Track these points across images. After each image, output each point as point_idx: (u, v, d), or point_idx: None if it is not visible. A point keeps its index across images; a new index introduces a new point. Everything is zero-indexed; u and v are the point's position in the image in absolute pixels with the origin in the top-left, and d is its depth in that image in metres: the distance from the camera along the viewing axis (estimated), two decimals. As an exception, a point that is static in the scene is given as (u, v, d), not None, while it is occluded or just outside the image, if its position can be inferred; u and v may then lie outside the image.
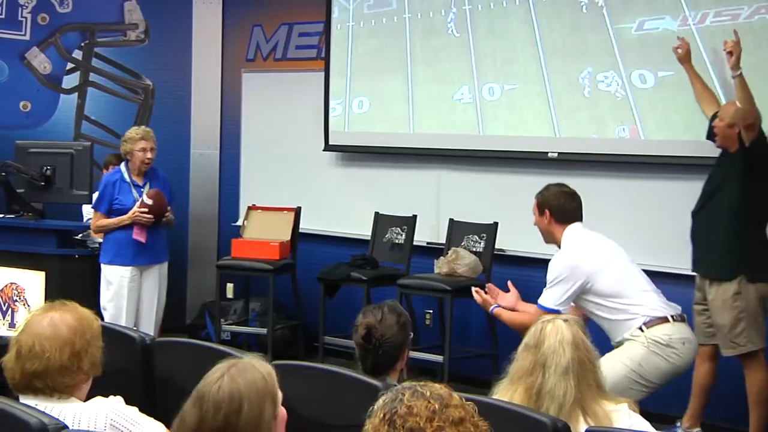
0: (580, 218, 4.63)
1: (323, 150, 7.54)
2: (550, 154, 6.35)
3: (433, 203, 6.89)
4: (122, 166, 5.95)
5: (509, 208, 6.52)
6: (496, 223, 6.45)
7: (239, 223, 7.68)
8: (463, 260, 6.26)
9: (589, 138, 6.25)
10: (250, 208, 7.52)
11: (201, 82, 8.29)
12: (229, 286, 7.86)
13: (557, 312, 4.25)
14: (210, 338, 7.33)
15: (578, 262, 4.43)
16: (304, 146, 7.68)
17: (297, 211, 7.36)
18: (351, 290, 6.78)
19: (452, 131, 6.89)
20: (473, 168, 6.77)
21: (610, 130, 6.13)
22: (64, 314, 2.76)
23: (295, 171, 7.78)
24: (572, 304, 4.46)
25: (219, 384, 2.30)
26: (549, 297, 4.46)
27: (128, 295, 5.82)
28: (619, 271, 4.48)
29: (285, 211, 7.36)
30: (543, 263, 5.81)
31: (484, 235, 6.51)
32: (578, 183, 5.91)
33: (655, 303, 4.45)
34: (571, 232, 4.57)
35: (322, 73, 7.41)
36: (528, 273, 6.29)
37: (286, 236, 7.26)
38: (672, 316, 4.43)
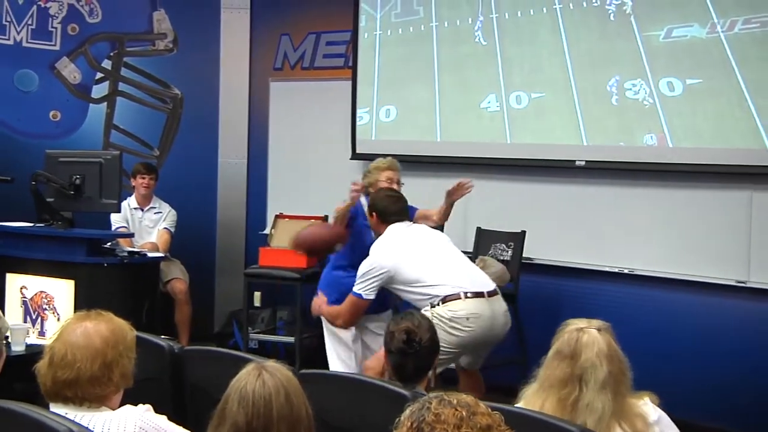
0: (402, 219, 5.10)
1: (350, 158, 7.53)
2: (577, 163, 6.36)
3: (460, 212, 6.55)
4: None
5: (537, 216, 6.54)
6: (523, 232, 6.42)
7: (267, 231, 7.67)
8: (490, 268, 6.20)
9: (617, 146, 6.22)
10: (277, 217, 7.53)
11: (229, 91, 8.31)
12: (257, 294, 7.81)
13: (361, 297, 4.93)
14: (238, 347, 7.32)
15: (379, 260, 4.92)
16: (332, 155, 7.67)
17: (324, 220, 7.27)
18: None
19: (479, 139, 6.88)
20: (500, 176, 6.76)
21: (638, 138, 6.10)
22: (98, 324, 2.76)
23: (323, 179, 7.73)
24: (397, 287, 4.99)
25: (261, 381, 2.35)
26: (358, 287, 4.97)
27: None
28: (418, 261, 4.90)
29: (312, 220, 7.24)
30: (572, 272, 6.31)
31: (512, 243, 6.48)
32: (606, 191, 6.26)
33: (454, 283, 4.81)
34: (387, 233, 5.08)
35: (350, 82, 7.42)
36: (556, 281, 6.42)
37: None
38: (465, 293, 4.77)
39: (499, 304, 4.96)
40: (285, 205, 7.78)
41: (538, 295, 6.48)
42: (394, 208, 5.09)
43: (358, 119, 7.46)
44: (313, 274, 7.00)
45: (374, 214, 5.09)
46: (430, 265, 4.91)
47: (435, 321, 4.50)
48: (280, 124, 8.08)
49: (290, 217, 7.42)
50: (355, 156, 7.52)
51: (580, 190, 6.43)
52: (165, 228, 7.48)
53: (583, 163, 6.31)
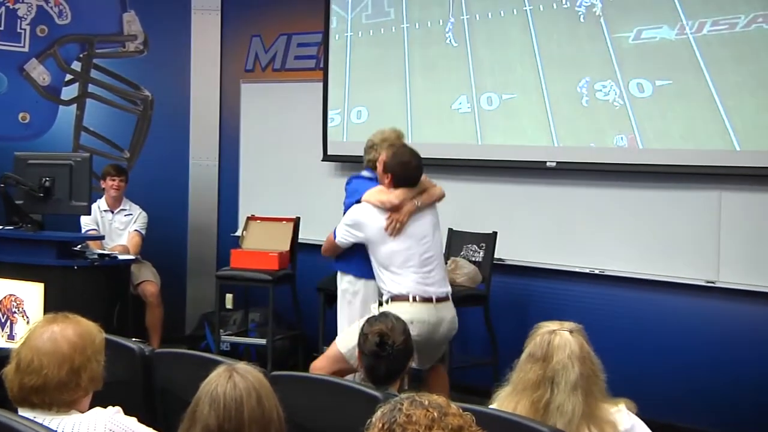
0: (411, 186, 4.98)
1: (322, 160, 7.51)
2: (548, 164, 6.34)
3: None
4: (366, 173, 5.39)
5: (509, 217, 6.53)
6: (495, 233, 6.40)
7: (238, 233, 7.61)
8: (462, 270, 6.22)
9: (588, 147, 6.21)
10: (249, 219, 7.45)
11: (200, 93, 8.24)
12: (229, 296, 7.81)
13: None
14: (209, 349, 7.26)
15: (363, 222, 4.93)
16: (303, 156, 7.64)
17: (296, 222, 7.30)
18: None
19: (450, 140, 6.83)
20: (472, 177, 6.73)
21: (609, 139, 6.10)
22: (66, 329, 2.71)
23: (294, 181, 7.72)
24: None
25: (232, 383, 2.34)
26: (337, 231, 5.04)
27: None
28: (392, 247, 4.87)
29: (284, 222, 7.30)
30: (543, 272, 6.30)
31: (484, 244, 6.45)
32: (576, 192, 6.24)
33: (407, 284, 4.82)
34: None
35: (321, 83, 7.39)
36: (528, 282, 6.41)
37: (286, 246, 7.20)
38: (414, 297, 4.79)
39: (447, 311, 4.96)
40: (257, 206, 7.70)
41: (509, 296, 6.49)
42: (409, 177, 5.00)
43: (329, 121, 7.42)
44: (284, 276, 7.06)
45: (390, 175, 4.97)
46: (396, 254, 4.89)
47: None
48: (252, 126, 8.05)
49: (262, 219, 7.38)
50: (327, 158, 7.50)
51: (551, 191, 6.42)
52: (135, 230, 7.43)
53: (554, 164, 6.30)
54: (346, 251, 5.07)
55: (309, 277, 7.01)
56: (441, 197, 5.12)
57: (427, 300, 4.82)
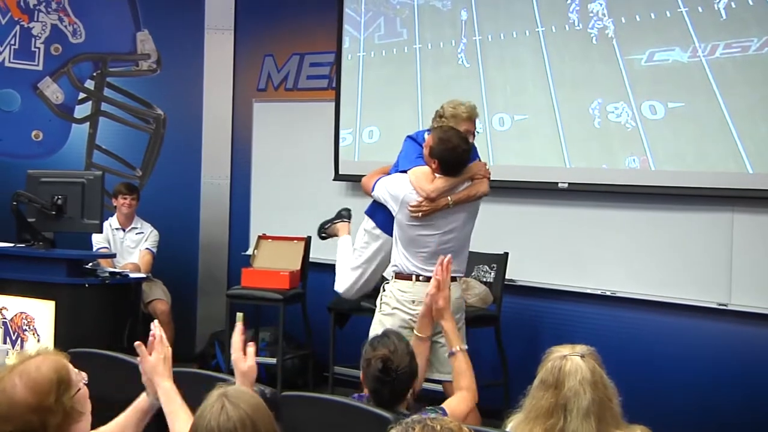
0: (455, 175, 4.86)
1: (333, 179, 7.45)
2: (560, 185, 6.31)
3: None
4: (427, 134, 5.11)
5: (520, 238, 6.48)
6: (506, 254, 6.33)
7: (249, 252, 7.56)
8: (473, 290, 6.14)
9: (600, 168, 6.17)
10: (260, 238, 7.39)
11: (212, 112, 8.21)
12: (239, 315, 7.30)
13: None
14: (219, 368, 7.19)
15: (403, 200, 4.83)
16: (315, 175, 7.58)
17: (307, 241, 7.22)
18: (361, 320, 6.31)
19: None
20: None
21: (621, 160, 6.06)
22: (26, 378, 2.58)
23: (306, 200, 7.64)
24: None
25: (225, 414, 2.30)
26: (378, 187, 4.99)
27: None
28: (415, 231, 4.83)
29: (295, 241, 7.23)
30: (554, 294, 6.25)
31: (495, 265, 6.39)
32: (588, 213, 6.24)
33: (414, 261, 4.78)
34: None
35: (333, 103, 7.36)
36: (539, 303, 6.35)
37: (296, 266, 7.14)
38: (417, 276, 4.75)
39: (452, 290, 4.72)
40: (268, 225, 7.62)
41: (520, 317, 6.44)
42: (456, 164, 4.87)
43: (341, 140, 7.37)
44: (295, 295, 6.99)
45: (436, 161, 4.83)
46: (419, 241, 4.86)
47: (383, 300, 4.70)
48: (264, 145, 8.00)
49: (273, 238, 7.31)
50: (338, 177, 7.44)
51: (562, 212, 6.38)
52: (147, 248, 7.41)
53: (566, 185, 6.27)
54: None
55: (319, 297, 6.92)
56: (481, 196, 4.99)
57: (430, 279, 4.58)
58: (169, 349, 3.24)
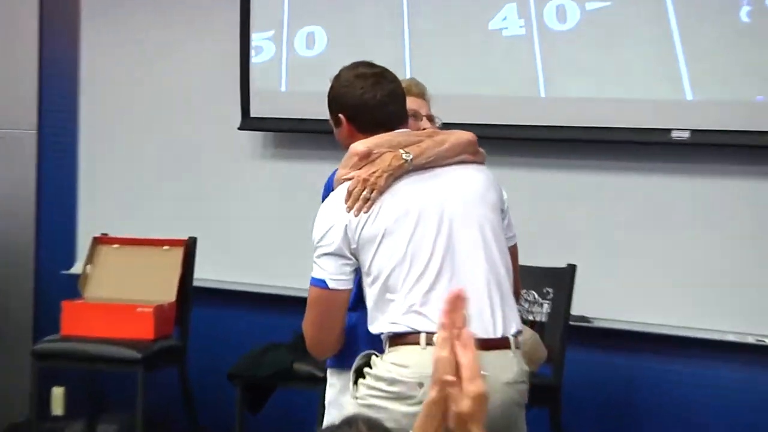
0: (391, 126, 3.64)
1: (239, 128, 5.59)
2: (674, 135, 4.86)
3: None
4: None
5: (597, 237, 5.07)
6: (572, 267, 4.77)
7: (76, 269, 5.95)
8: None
9: (748, 103, 4.80)
10: (97, 241, 5.72)
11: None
12: (57, 392, 6.07)
13: None
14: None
15: (336, 221, 3.55)
16: (201, 124, 5.82)
17: (188, 246, 5.57)
18: (294, 396, 5.48)
19: (485, 89, 5.18)
20: (527, 161, 5.27)
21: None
22: None
23: (185, 171, 5.91)
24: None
25: None
26: (314, 274, 3.72)
27: None
28: (389, 247, 3.50)
29: (165, 247, 5.62)
30: (661, 343, 5.06)
31: (550, 289, 4.91)
32: (722, 186, 5.13)
33: (419, 308, 3.40)
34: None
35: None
36: (633, 360, 5.04)
37: (169, 294, 5.52)
38: (429, 335, 3.35)
39: (502, 365, 3.37)
40: (112, 219, 5.90)
41: (597, 388, 5.16)
42: (381, 110, 3.53)
43: (252, 53, 5.56)
44: (166, 351, 5.57)
45: (341, 116, 3.55)
46: (402, 259, 3.44)
47: (366, 383, 3.40)
48: (103, 69, 6.10)
49: (122, 242, 5.66)
50: (248, 123, 5.58)
51: (678, 186, 4.99)
52: None
53: (686, 135, 4.85)
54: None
55: (213, 352, 5.64)
56: (469, 144, 3.58)
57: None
58: None
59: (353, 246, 3.41)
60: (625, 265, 5.10)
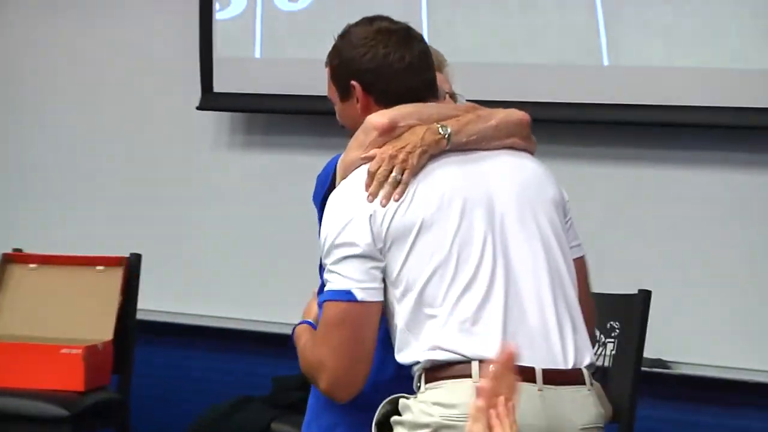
0: (415, 97, 3.23)
1: (198, 108, 5.00)
2: None
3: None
4: None
5: (676, 254, 4.53)
6: (646, 294, 4.04)
7: None
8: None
9: None
10: (8, 259, 5.23)
11: None
12: None
13: None
14: None
15: (353, 217, 3.39)
16: (148, 103, 5.28)
17: (130, 266, 4.96)
18: None
19: (527, 56, 4.76)
20: (585, 149, 4.76)
21: None
22: None
23: (126, 166, 5.38)
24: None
25: None
26: (327, 285, 3.53)
27: None
28: (423, 248, 3.18)
29: (99, 267, 4.99)
30: (757, 393, 4.47)
31: (617, 323, 4.24)
32: None
33: (471, 331, 2.99)
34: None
35: None
36: (723, 417, 4.45)
37: (105, 330, 4.88)
38: (482, 362, 2.92)
39: (578, 406, 2.74)
40: (30, 228, 5.45)
41: None
42: (409, 70, 2.89)
43: (217, 5, 4.98)
44: (100, 407, 4.85)
45: (354, 85, 2.83)
46: (455, 251, 2.85)
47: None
48: (9, 35, 5.60)
49: (42, 260, 5.08)
50: (211, 99, 4.97)
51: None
52: None
53: None
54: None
55: (162, 408, 5.09)
56: (521, 125, 2.88)
57: (521, 374, 2.65)
58: None
59: (380, 245, 2.92)
60: (716, 293, 4.50)
